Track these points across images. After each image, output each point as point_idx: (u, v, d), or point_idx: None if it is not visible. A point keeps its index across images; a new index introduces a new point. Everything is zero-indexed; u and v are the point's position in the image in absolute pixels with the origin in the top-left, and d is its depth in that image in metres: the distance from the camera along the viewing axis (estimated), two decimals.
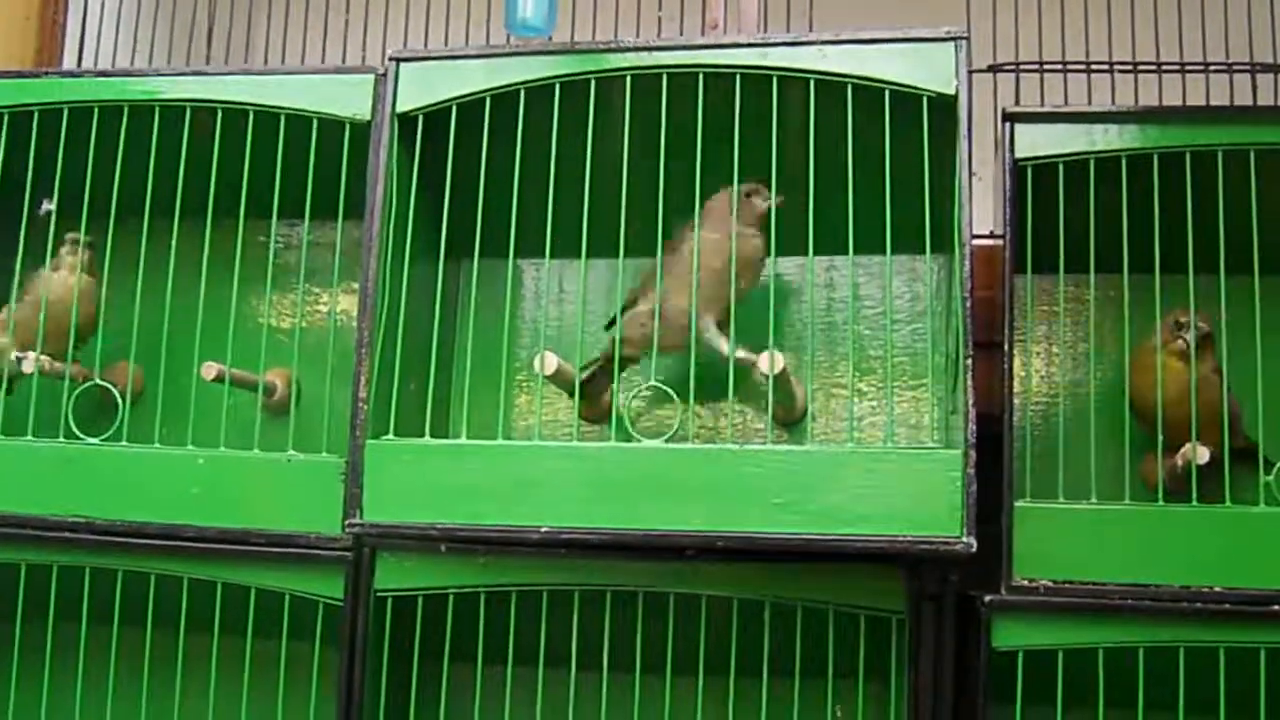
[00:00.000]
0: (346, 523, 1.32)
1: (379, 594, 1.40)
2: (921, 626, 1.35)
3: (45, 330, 1.53)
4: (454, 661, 1.41)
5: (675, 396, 1.38)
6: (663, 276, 1.41)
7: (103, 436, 1.45)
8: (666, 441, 1.28)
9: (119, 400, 1.48)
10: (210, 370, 1.50)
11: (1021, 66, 1.68)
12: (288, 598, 1.41)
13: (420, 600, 1.40)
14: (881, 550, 1.21)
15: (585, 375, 1.47)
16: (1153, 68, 1.68)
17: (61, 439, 1.47)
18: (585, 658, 1.39)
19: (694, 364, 1.39)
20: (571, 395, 1.43)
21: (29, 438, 1.48)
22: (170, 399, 1.51)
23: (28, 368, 1.54)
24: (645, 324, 1.44)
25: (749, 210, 1.45)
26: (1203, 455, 1.33)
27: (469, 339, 1.42)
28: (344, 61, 1.92)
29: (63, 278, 1.57)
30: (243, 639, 1.42)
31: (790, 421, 1.56)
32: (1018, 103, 1.56)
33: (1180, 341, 1.39)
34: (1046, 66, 1.69)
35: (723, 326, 1.42)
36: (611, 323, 1.52)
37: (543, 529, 1.26)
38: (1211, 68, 1.66)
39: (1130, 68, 1.68)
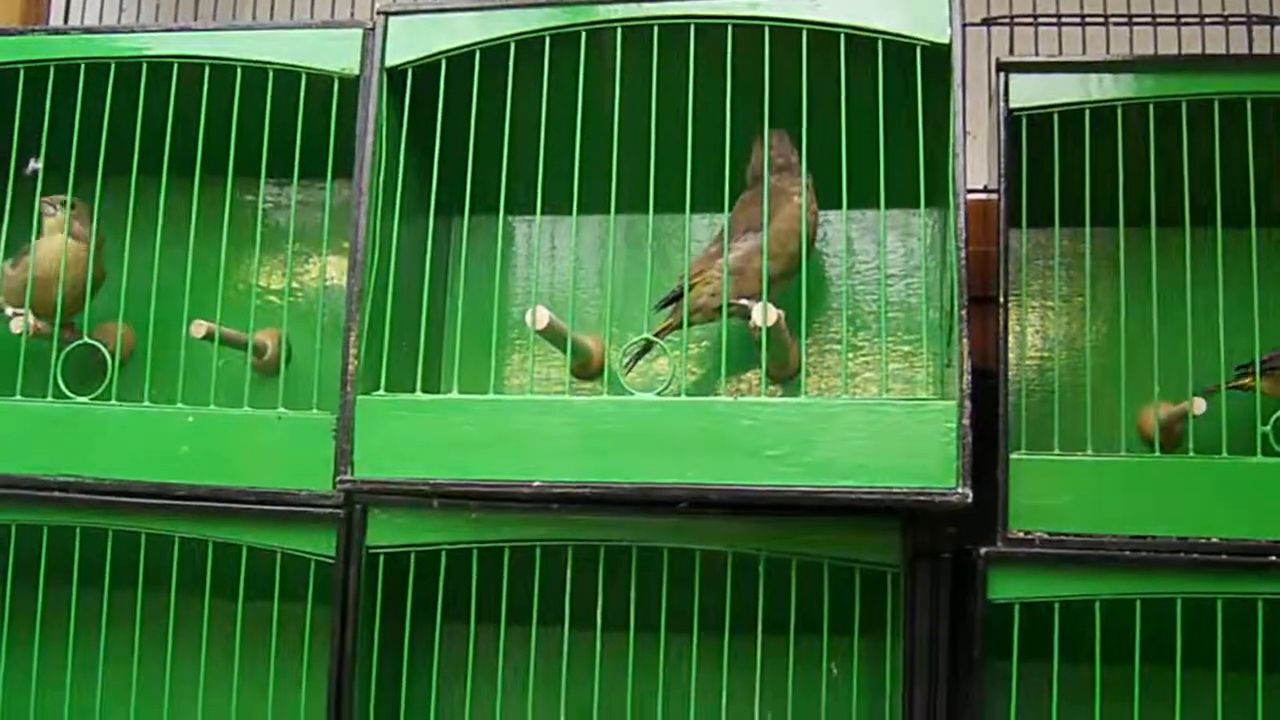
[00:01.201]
0: (338, 479, 1.31)
1: (371, 550, 1.39)
2: (917, 580, 1.34)
3: (34, 298, 1.51)
4: (447, 618, 1.40)
5: (668, 351, 1.37)
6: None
7: (92, 396, 1.44)
8: (659, 395, 1.27)
9: (108, 360, 1.47)
10: (200, 328, 1.49)
11: (1016, 19, 1.67)
12: (279, 555, 1.41)
13: (412, 556, 1.39)
14: (877, 502, 1.20)
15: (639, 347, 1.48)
16: (1148, 20, 1.67)
17: (50, 398, 1.46)
18: (578, 613, 1.38)
19: (685, 321, 1.38)
20: (564, 351, 1.42)
21: (17, 397, 1.47)
22: (159, 358, 1.50)
23: (15, 328, 1.52)
24: (718, 287, 1.41)
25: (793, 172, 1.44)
26: (1199, 406, 1.32)
27: (460, 296, 1.40)
28: (332, 16, 1.90)
29: (52, 243, 1.55)
30: (234, 598, 1.41)
31: (784, 377, 1.55)
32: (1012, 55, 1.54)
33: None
34: (1041, 19, 1.67)
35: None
36: (667, 302, 1.50)
37: (535, 483, 1.25)
38: (1207, 20, 1.65)
39: (1125, 20, 1.67)
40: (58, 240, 1.55)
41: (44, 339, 1.53)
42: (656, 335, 1.39)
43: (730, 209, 1.35)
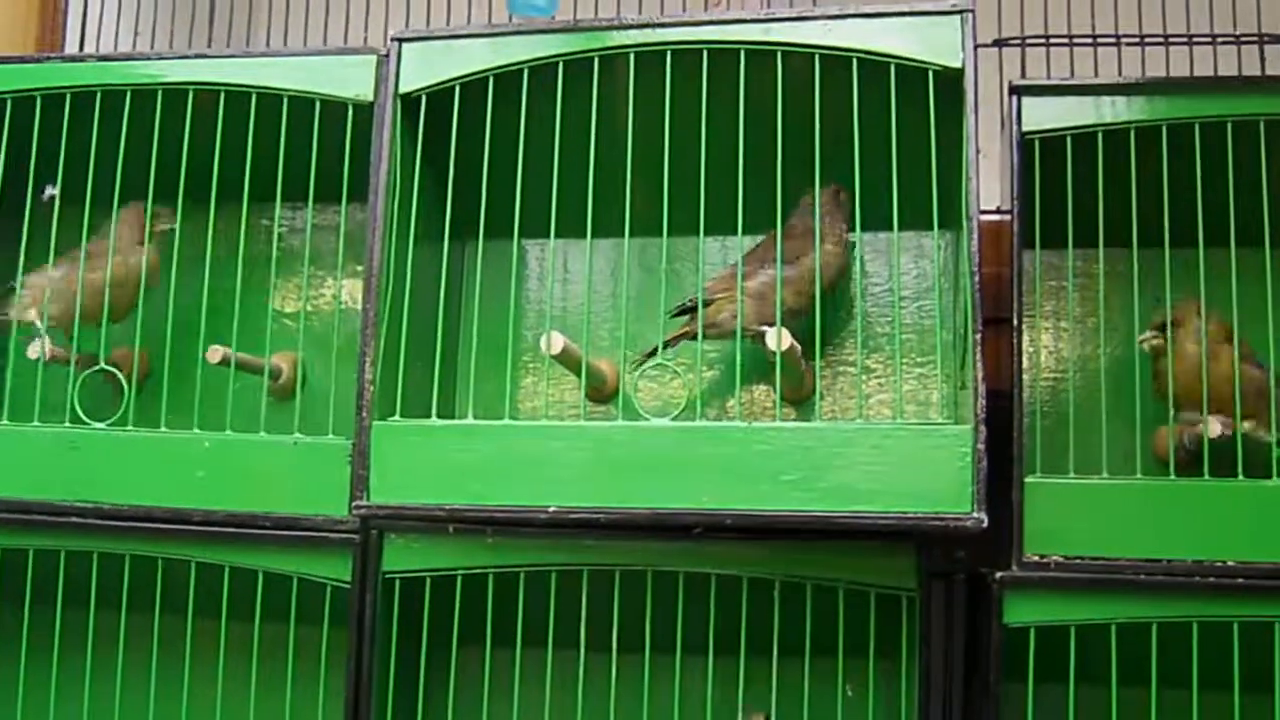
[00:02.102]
0: (354, 504, 1.31)
1: (387, 575, 1.39)
2: (932, 604, 1.34)
3: (88, 306, 1.52)
4: (463, 642, 1.41)
5: (680, 374, 1.37)
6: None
7: (108, 421, 1.45)
8: (674, 420, 1.27)
9: (124, 385, 1.47)
10: (215, 354, 1.49)
11: (1027, 41, 1.67)
12: (295, 580, 1.41)
13: (428, 581, 1.39)
14: (892, 527, 1.20)
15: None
16: (1159, 40, 1.67)
17: (67, 424, 1.46)
18: (594, 637, 1.38)
19: (700, 342, 1.38)
20: (579, 375, 1.42)
21: (35, 423, 1.47)
22: (175, 383, 1.50)
23: (33, 353, 1.53)
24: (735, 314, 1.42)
25: (840, 211, 1.47)
26: (1214, 429, 1.32)
27: (474, 320, 1.41)
28: (346, 43, 1.91)
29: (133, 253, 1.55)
30: (251, 622, 1.41)
31: (798, 400, 1.55)
32: (1024, 78, 1.54)
33: (1152, 341, 1.40)
34: (1052, 40, 1.68)
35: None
36: (682, 311, 1.51)
37: (551, 509, 1.25)
38: (1219, 39, 1.65)
39: (1137, 40, 1.67)
40: (139, 251, 1.55)
41: (61, 364, 1.53)
42: (669, 343, 1.39)
43: (743, 232, 1.35)
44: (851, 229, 1.40)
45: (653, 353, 1.45)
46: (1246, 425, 1.34)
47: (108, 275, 1.50)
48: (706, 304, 1.45)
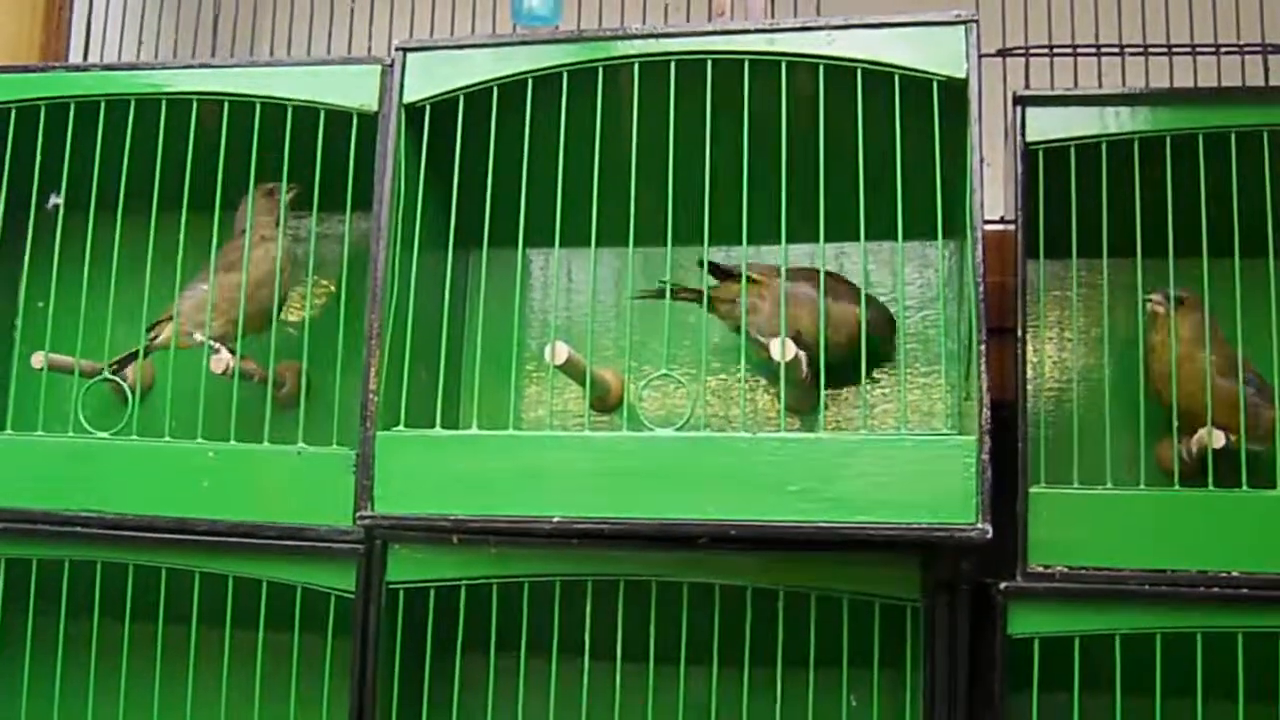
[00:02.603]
0: (358, 515, 1.31)
1: (391, 586, 1.39)
2: (936, 614, 1.34)
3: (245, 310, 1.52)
4: (466, 652, 1.41)
5: (684, 385, 1.37)
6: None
7: (113, 431, 1.45)
8: (678, 430, 1.27)
9: (128, 395, 1.47)
10: (219, 363, 1.49)
11: (1031, 51, 1.67)
12: (299, 590, 1.41)
13: (432, 592, 1.39)
14: (897, 538, 1.20)
15: None
16: (1163, 50, 1.67)
17: (71, 433, 1.46)
18: (598, 648, 1.38)
19: (704, 351, 1.38)
20: (583, 385, 1.42)
21: (39, 432, 1.48)
22: (180, 393, 1.50)
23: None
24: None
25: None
26: (1218, 439, 1.32)
27: (478, 329, 1.41)
28: (349, 53, 1.91)
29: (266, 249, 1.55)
30: (255, 632, 1.41)
31: (802, 410, 1.55)
32: (1027, 88, 1.54)
33: (1156, 307, 1.39)
34: (1056, 50, 1.68)
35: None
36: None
37: (555, 519, 1.25)
38: (1223, 49, 1.65)
39: (1141, 50, 1.67)
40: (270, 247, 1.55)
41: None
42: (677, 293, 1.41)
43: (748, 242, 1.35)
44: None
45: (660, 293, 1.45)
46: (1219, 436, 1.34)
47: (278, 260, 1.52)
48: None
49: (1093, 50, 1.68)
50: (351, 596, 1.39)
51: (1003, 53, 1.69)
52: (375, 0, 1.96)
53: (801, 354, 1.36)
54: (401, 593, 1.39)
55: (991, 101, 1.42)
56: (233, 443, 1.44)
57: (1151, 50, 1.67)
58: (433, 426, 1.34)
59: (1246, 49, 1.65)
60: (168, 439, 1.46)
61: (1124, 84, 1.62)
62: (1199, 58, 1.67)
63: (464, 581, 1.39)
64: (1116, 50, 1.67)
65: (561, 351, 1.33)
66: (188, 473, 1.43)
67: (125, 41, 2.01)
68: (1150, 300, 1.39)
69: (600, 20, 1.89)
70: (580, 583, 1.38)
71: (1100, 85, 1.66)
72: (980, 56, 1.30)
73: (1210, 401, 1.33)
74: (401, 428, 1.34)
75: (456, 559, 1.39)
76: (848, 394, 1.57)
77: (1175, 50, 1.67)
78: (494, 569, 1.38)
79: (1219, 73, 1.67)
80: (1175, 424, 1.34)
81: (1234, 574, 1.26)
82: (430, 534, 1.38)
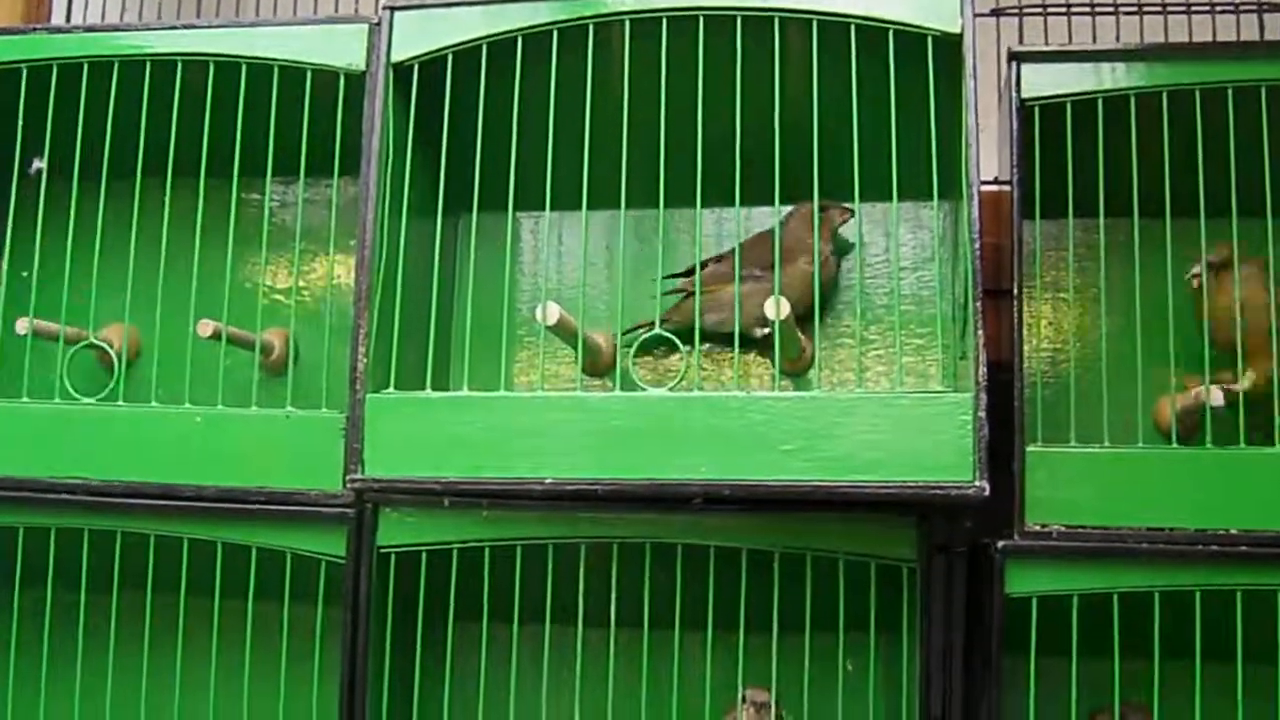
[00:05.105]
0: (348, 478, 1.30)
1: (381, 550, 1.38)
2: (933, 575, 1.33)
3: None
4: (459, 617, 1.39)
5: (680, 345, 1.35)
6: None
7: (98, 397, 1.43)
8: (671, 390, 1.26)
9: (114, 360, 1.46)
10: (206, 328, 1.47)
11: (1024, 9, 1.65)
12: (289, 556, 1.39)
13: (424, 556, 1.38)
14: (893, 497, 1.19)
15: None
16: (1158, 8, 1.65)
17: (57, 400, 1.44)
18: (592, 612, 1.37)
19: (697, 314, 1.37)
20: (574, 347, 1.40)
21: (24, 399, 1.46)
22: (166, 359, 1.49)
23: (21, 329, 1.51)
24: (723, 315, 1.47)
25: (826, 226, 1.48)
26: (1216, 398, 1.31)
27: (469, 293, 1.40)
28: (336, 12, 1.89)
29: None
30: (244, 600, 1.40)
31: (796, 372, 1.54)
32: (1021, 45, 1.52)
33: (1194, 281, 1.37)
34: (1050, 8, 1.66)
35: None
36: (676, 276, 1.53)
37: (547, 481, 1.24)
38: (1217, 8, 1.64)
39: (1135, 9, 1.65)
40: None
41: (49, 339, 1.51)
42: (657, 324, 1.39)
43: (740, 203, 1.33)
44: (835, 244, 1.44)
45: (648, 326, 1.45)
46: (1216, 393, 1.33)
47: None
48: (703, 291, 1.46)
49: (1087, 9, 1.67)
50: (342, 562, 1.38)
51: (996, 12, 1.67)
52: None
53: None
54: (393, 556, 1.38)
55: (985, 63, 1.41)
56: (220, 407, 1.42)
57: (1145, 9, 1.66)
58: (423, 389, 1.32)
59: (1241, 8, 1.63)
60: (154, 405, 1.44)
61: (1118, 41, 1.60)
62: (1193, 16, 1.66)
63: (455, 545, 1.37)
64: (1110, 9, 1.66)
65: (553, 311, 1.31)
66: (174, 438, 1.41)
67: (109, 3, 1.98)
68: (1190, 276, 1.38)
69: None
70: (574, 546, 1.37)
71: (1095, 43, 1.63)
72: (975, 16, 1.29)
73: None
74: (391, 390, 1.32)
75: (448, 522, 1.38)
76: (842, 356, 1.56)
77: (1170, 9, 1.65)
78: (486, 532, 1.37)
79: (1214, 32, 1.65)
80: (1174, 382, 1.32)
81: (1232, 531, 1.25)
82: (421, 497, 1.37)
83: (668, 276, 1.53)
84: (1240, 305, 1.32)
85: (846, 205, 1.47)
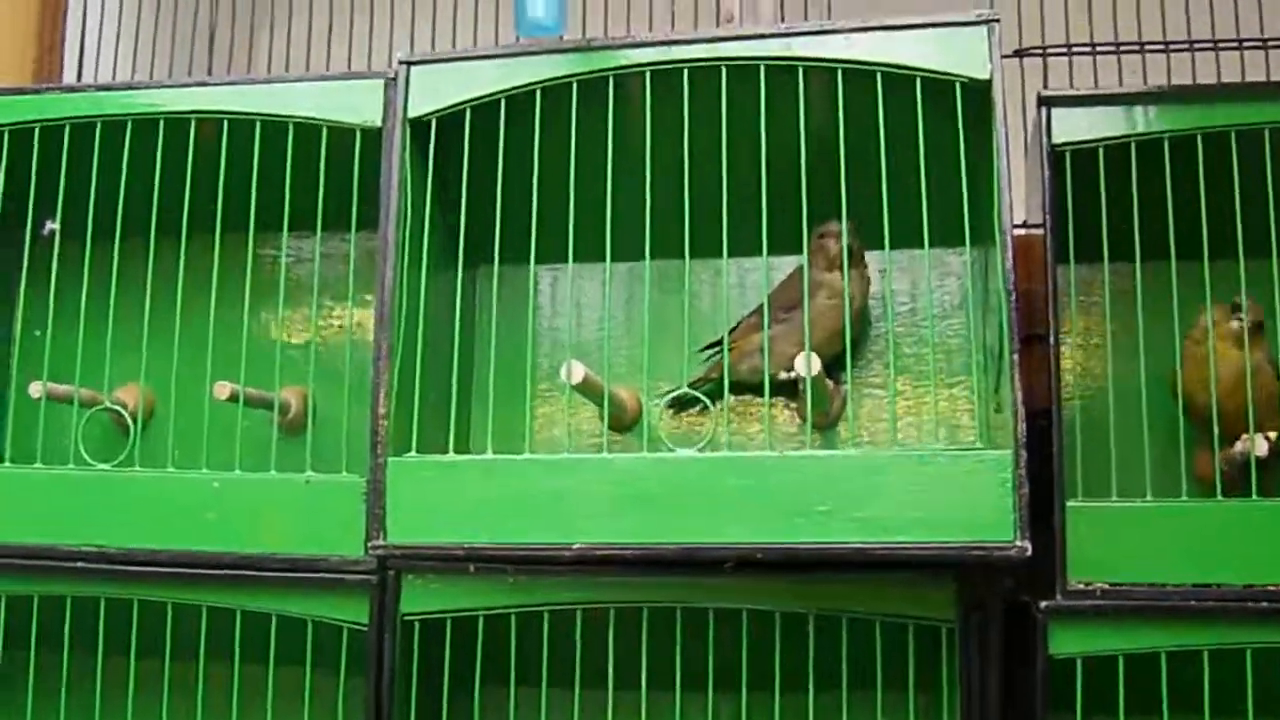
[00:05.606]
0: (370, 544, 1.27)
1: (406, 618, 1.34)
2: (970, 634, 1.29)
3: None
4: (485, 685, 1.35)
5: (706, 401, 1.32)
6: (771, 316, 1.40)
7: (114, 462, 1.41)
8: (700, 450, 1.23)
9: (130, 424, 1.43)
10: (223, 390, 1.44)
11: (1049, 50, 1.63)
12: (310, 624, 1.36)
13: (449, 623, 1.34)
14: (932, 558, 1.16)
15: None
16: (1184, 47, 1.62)
17: (72, 465, 1.42)
18: (622, 677, 1.33)
19: (725, 372, 1.34)
20: (599, 404, 1.38)
21: (38, 465, 1.43)
22: (182, 421, 1.46)
23: (35, 393, 1.48)
24: (755, 362, 1.43)
25: (823, 256, 1.44)
26: (1261, 447, 1.27)
27: (490, 350, 1.37)
28: (350, 68, 1.87)
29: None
30: (264, 667, 1.36)
31: (825, 425, 1.51)
32: (1046, 88, 1.50)
33: (1234, 323, 1.34)
34: (1075, 49, 1.63)
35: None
36: (711, 346, 1.50)
37: (575, 546, 1.21)
38: (1245, 44, 1.61)
39: (1162, 48, 1.63)
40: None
41: (63, 402, 1.48)
42: (693, 384, 1.36)
43: (767, 253, 1.30)
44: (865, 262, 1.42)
45: (678, 398, 1.42)
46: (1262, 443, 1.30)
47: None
48: (730, 349, 1.45)
49: (1112, 49, 1.64)
50: (365, 629, 1.34)
51: (1020, 53, 1.65)
52: (374, 15, 1.91)
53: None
54: (417, 624, 1.34)
55: (1009, 104, 1.38)
56: (238, 472, 1.39)
57: (1172, 48, 1.63)
58: (445, 451, 1.29)
59: (1270, 44, 1.60)
60: (171, 470, 1.41)
61: (1145, 83, 1.57)
62: (1221, 54, 1.63)
63: (482, 612, 1.33)
64: (1136, 48, 1.63)
65: (578, 371, 1.28)
66: (191, 504, 1.38)
67: (120, 61, 1.97)
68: (1238, 319, 1.35)
69: (606, 29, 1.84)
70: (603, 611, 1.33)
71: (1121, 85, 1.60)
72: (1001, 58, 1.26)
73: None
74: (413, 453, 1.29)
75: (473, 588, 1.34)
76: (870, 408, 1.53)
77: (1197, 47, 1.62)
78: (513, 598, 1.33)
79: (1243, 70, 1.62)
80: (1216, 432, 1.29)
81: None
82: (445, 563, 1.33)
83: (703, 349, 1.52)
84: None
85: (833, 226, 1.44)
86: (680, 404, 1.55)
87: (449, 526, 1.25)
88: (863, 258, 1.48)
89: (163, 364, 1.45)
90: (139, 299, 1.47)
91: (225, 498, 1.38)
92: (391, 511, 1.27)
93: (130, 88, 1.48)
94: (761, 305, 1.48)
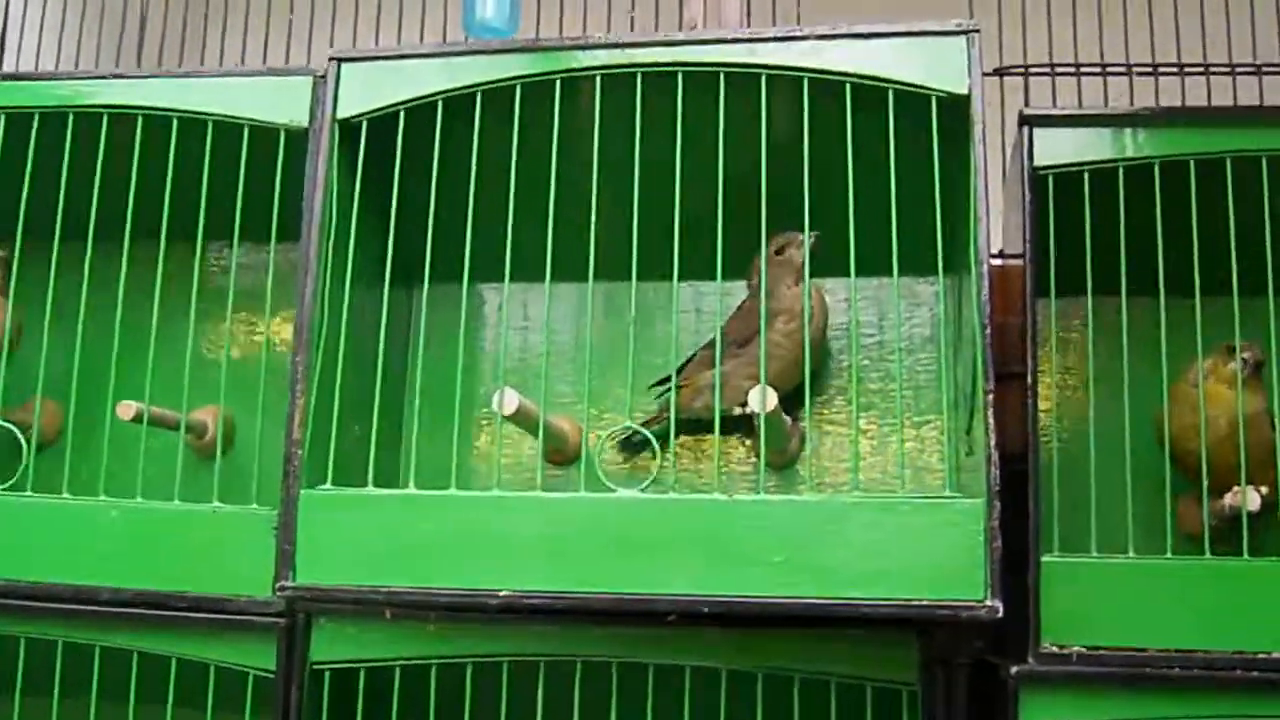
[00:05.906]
0: (278, 585, 1.16)
1: (315, 666, 1.23)
2: (934, 698, 1.19)
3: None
4: None
5: (654, 442, 1.22)
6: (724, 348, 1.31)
7: (3, 486, 1.28)
8: (643, 490, 1.12)
9: (23, 444, 1.31)
10: (127, 410, 1.33)
11: (1031, 69, 1.53)
12: (213, 669, 1.24)
13: (362, 673, 1.23)
14: (894, 616, 1.05)
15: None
16: (1174, 70, 1.53)
17: None
18: None
19: (674, 411, 1.23)
20: (536, 435, 1.27)
21: None
22: (83, 442, 1.34)
23: None
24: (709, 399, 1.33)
25: (789, 270, 1.34)
26: (1253, 501, 1.18)
27: (419, 373, 1.26)
28: (287, 64, 1.76)
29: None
30: (162, 711, 1.24)
31: (782, 464, 1.40)
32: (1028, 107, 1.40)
33: (1236, 365, 1.24)
34: (1058, 69, 1.54)
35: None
36: (661, 382, 1.41)
37: (503, 593, 1.10)
38: (1238, 69, 1.52)
39: (1150, 70, 1.54)
40: None
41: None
42: (645, 425, 1.26)
43: (722, 277, 1.20)
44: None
45: (628, 438, 1.32)
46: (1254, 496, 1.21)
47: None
48: (680, 387, 1.36)
49: (1097, 70, 1.54)
50: (271, 676, 1.23)
51: (1000, 71, 1.55)
52: (315, 12, 1.80)
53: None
54: (327, 673, 1.23)
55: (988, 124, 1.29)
56: (139, 500, 1.27)
57: (1161, 70, 1.54)
58: (365, 484, 1.18)
59: (1264, 70, 1.51)
60: (66, 496, 1.29)
61: (1132, 105, 1.48)
62: (1212, 79, 1.54)
63: (399, 662, 1.23)
64: (1123, 70, 1.54)
65: (511, 401, 1.17)
66: (87, 534, 1.27)
67: (43, 54, 1.85)
68: (1246, 357, 1.26)
69: (561, 30, 1.74)
70: (532, 664, 1.22)
71: (1106, 107, 1.51)
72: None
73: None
74: (329, 485, 1.18)
75: (390, 636, 1.23)
76: (830, 445, 1.42)
77: (1187, 71, 1.53)
78: (433, 648, 1.22)
79: (1234, 95, 1.54)
80: (1205, 484, 1.19)
81: (1274, 655, 1.11)
82: (360, 607, 1.22)
83: (653, 385, 1.43)
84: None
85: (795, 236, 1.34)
86: (631, 445, 1.44)
87: (365, 567, 1.14)
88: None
89: (64, 380, 1.34)
90: (41, 306, 1.36)
91: (124, 528, 1.27)
92: (302, 549, 1.16)
93: (39, 78, 1.38)
94: (710, 341, 1.38)
